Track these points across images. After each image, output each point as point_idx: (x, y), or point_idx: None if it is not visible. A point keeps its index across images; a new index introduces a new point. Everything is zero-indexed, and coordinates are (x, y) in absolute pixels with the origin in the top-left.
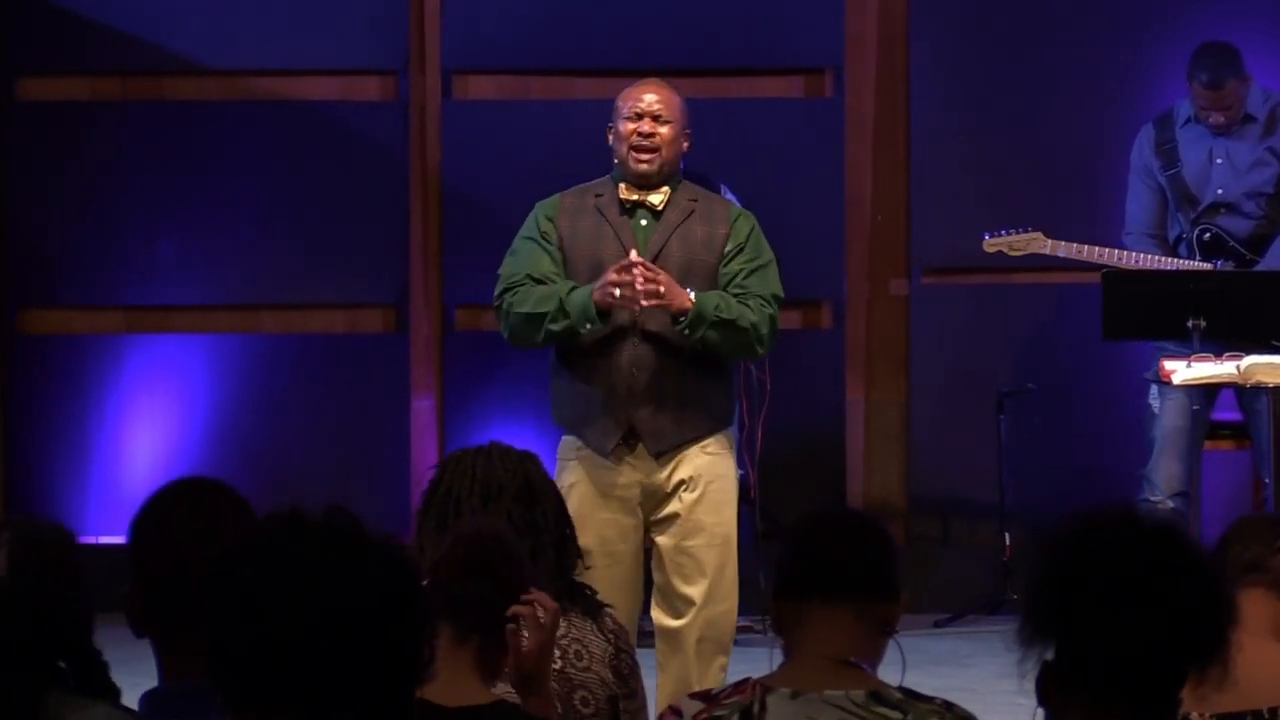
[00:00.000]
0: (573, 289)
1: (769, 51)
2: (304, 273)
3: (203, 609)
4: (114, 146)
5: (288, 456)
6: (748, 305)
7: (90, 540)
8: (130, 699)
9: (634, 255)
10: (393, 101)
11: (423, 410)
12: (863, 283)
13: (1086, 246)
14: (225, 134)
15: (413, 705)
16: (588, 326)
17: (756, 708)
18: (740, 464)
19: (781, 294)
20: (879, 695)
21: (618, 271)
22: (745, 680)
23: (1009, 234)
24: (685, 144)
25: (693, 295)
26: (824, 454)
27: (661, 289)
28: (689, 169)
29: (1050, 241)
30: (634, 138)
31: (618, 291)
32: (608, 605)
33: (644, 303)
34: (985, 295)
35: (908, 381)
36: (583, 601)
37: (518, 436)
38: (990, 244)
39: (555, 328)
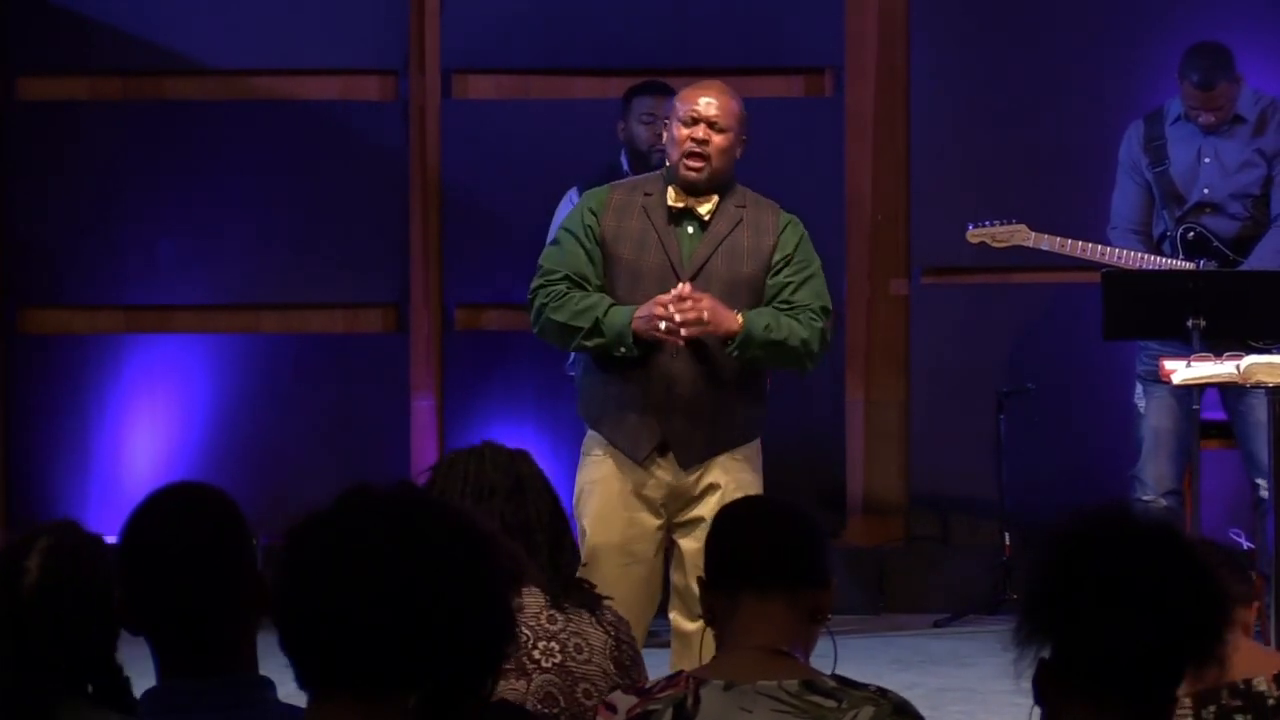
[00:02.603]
0: (610, 307)
1: (769, 51)
2: (304, 272)
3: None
4: (114, 146)
5: (288, 456)
6: (797, 320)
7: None
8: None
9: (682, 288)
10: (393, 101)
11: (422, 410)
12: (863, 282)
13: (1070, 240)
14: (225, 134)
15: (489, 691)
16: (622, 351)
17: (690, 700)
18: None
19: (829, 305)
20: (812, 684)
21: (663, 305)
22: (679, 673)
23: (992, 225)
24: (739, 151)
25: (741, 317)
26: (824, 453)
27: (705, 316)
28: None
29: (1034, 234)
30: (687, 144)
31: (662, 325)
32: (606, 598)
33: (684, 332)
34: (985, 295)
35: (907, 381)
36: (580, 595)
37: (517, 435)
38: (973, 234)
39: (589, 344)
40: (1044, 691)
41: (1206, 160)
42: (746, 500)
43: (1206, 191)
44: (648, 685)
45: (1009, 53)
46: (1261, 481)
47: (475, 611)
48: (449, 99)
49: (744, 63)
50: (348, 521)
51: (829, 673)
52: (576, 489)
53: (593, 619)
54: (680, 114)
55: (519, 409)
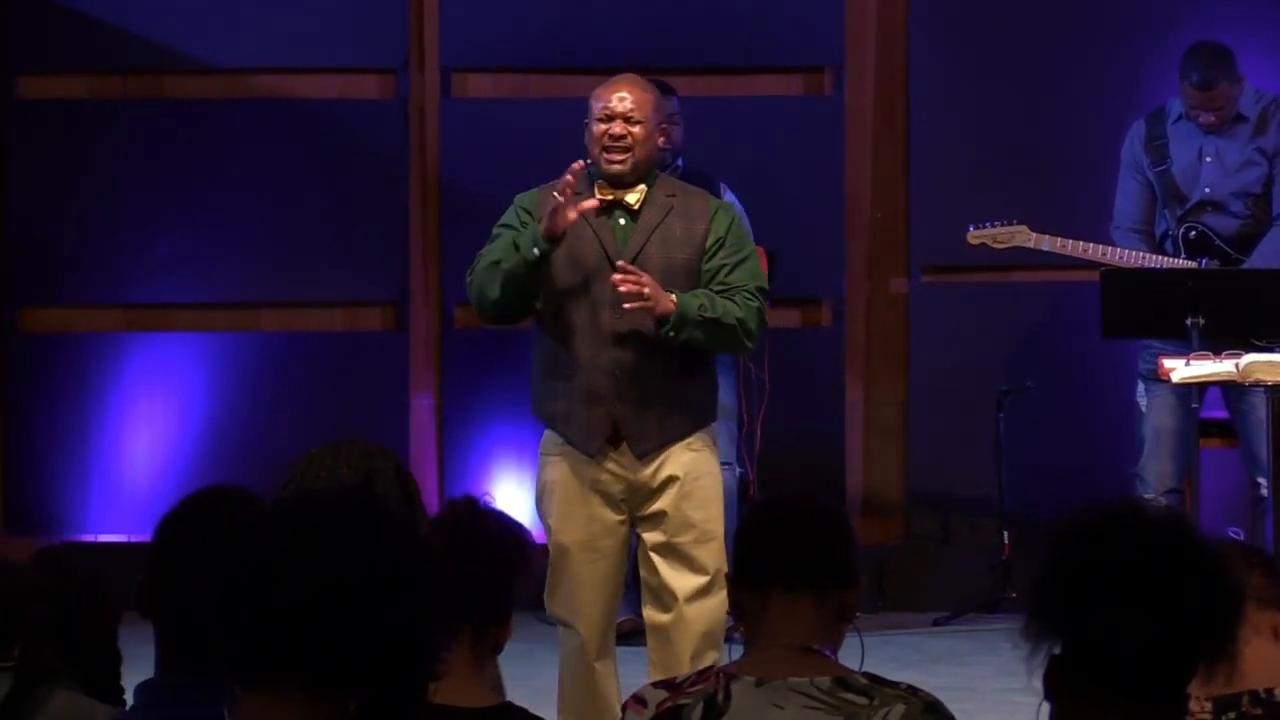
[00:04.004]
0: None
1: (768, 49)
2: (303, 271)
3: (217, 577)
4: (114, 144)
5: (287, 454)
6: (733, 300)
7: (89, 539)
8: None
9: (622, 263)
10: (392, 100)
11: (422, 408)
12: (862, 281)
13: (1071, 241)
14: (225, 132)
15: (423, 691)
16: (535, 252)
17: (721, 696)
18: (740, 462)
19: (765, 285)
20: (844, 681)
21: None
22: (709, 668)
23: (993, 226)
24: (661, 139)
25: (675, 297)
26: (823, 452)
27: (646, 290)
28: (690, 168)
29: (1034, 235)
30: (605, 139)
31: (561, 193)
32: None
33: (626, 305)
34: (985, 293)
35: (907, 380)
36: None
37: (516, 434)
38: (974, 236)
39: (507, 266)
40: (1054, 687)
41: (1207, 159)
42: (776, 498)
43: (1208, 190)
44: (679, 679)
45: (1009, 51)
46: (1263, 480)
47: (418, 613)
48: (448, 97)
49: (743, 61)
50: (294, 519)
51: (858, 669)
52: (536, 490)
53: None
54: (595, 112)
55: (518, 407)
